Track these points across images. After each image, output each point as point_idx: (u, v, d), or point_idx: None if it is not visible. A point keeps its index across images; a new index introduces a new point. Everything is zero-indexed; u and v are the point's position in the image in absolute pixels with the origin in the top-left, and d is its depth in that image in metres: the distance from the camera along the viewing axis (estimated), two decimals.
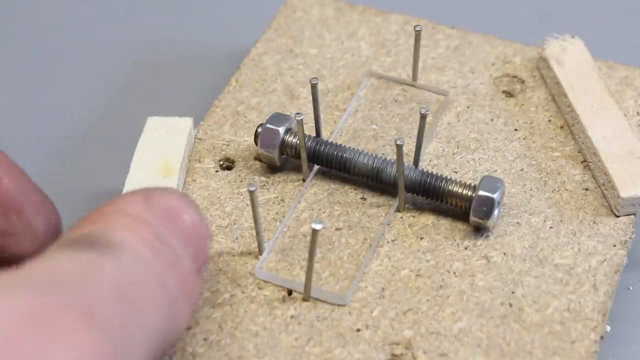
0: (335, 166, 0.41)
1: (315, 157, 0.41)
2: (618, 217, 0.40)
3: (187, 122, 0.42)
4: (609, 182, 0.40)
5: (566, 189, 0.41)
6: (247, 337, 0.36)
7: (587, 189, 0.41)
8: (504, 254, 0.38)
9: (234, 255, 0.39)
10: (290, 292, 0.37)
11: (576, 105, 0.42)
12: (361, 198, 0.41)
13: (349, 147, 0.40)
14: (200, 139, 0.43)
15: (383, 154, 0.42)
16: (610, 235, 0.39)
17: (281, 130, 0.40)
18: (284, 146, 0.41)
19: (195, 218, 0.32)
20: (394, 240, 0.39)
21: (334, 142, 0.41)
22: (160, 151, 0.41)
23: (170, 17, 0.54)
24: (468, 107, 0.44)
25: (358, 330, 0.36)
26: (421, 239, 0.39)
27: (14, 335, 0.26)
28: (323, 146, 0.41)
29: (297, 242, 0.39)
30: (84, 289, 0.28)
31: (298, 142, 0.40)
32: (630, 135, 0.41)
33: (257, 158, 0.42)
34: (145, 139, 0.41)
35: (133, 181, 0.40)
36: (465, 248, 0.39)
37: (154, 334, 0.29)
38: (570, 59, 0.44)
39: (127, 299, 0.29)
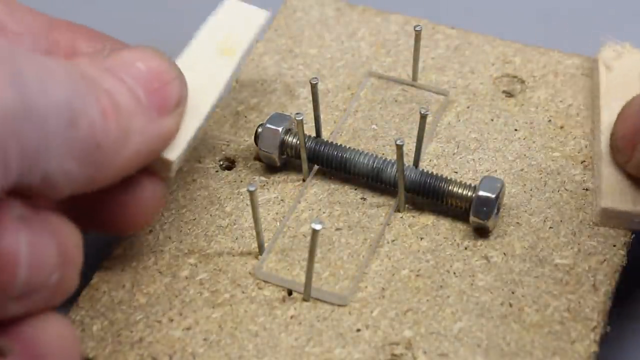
0: (335, 166, 0.41)
1: (315, 157, 0.41)
2: (597, 225, 0.39)
3: (261, 14, 0.40)
4: (598, 187, 0.40)
5: (566, 189, 0.41)
6: (247, 337, 0.36)
7: (587, 189, 0.40)
8: (504, 254, 0.38)
9: (234, 255, 0.39)
10: (290, 292, 0.37)
11: (603, 107, 0.42)
12: (361, 198, 0.40)
13: (349, 147, 0.40)
14: (200, 139, 0.43)
15: (383, 154, 0.42)
16: (610, 235, 0.39)
17: (281, 130, 0.40)
18: (284, 146, 0.41)
19: (152, 64, 0.34)
20: (394, 240, 0.39)
21: (334, 142, 0.41)
22: (228, 30, 0.39)
23: (170, 17, 0.54)
24: (468, 107, 0.44)
25: (358, 330, 0.36)
26: (421, 239, 0.39)
27: None
28: (323, 146, 0.41)
29: (297, 242, 0.39)
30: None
31: (298, 142, 0.40)
32: None
33: (257, 158, 0.42)
34: (216, 17, 0.40)
35: (190, 53, 0.39)
36: (465, 248, 0.39)
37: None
38: (621, 66, 0.43)
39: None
